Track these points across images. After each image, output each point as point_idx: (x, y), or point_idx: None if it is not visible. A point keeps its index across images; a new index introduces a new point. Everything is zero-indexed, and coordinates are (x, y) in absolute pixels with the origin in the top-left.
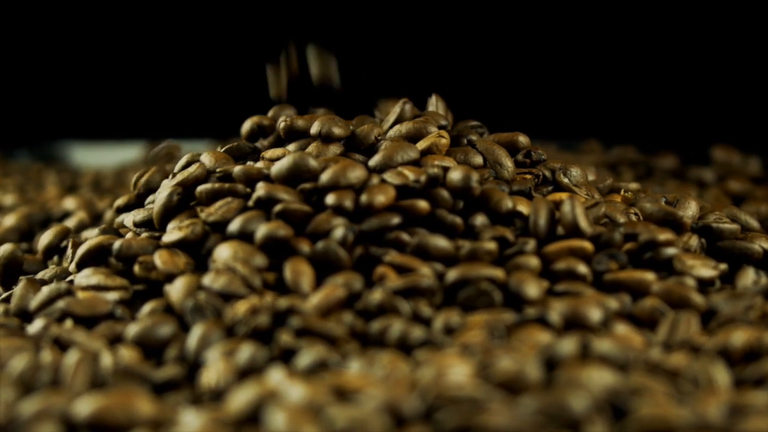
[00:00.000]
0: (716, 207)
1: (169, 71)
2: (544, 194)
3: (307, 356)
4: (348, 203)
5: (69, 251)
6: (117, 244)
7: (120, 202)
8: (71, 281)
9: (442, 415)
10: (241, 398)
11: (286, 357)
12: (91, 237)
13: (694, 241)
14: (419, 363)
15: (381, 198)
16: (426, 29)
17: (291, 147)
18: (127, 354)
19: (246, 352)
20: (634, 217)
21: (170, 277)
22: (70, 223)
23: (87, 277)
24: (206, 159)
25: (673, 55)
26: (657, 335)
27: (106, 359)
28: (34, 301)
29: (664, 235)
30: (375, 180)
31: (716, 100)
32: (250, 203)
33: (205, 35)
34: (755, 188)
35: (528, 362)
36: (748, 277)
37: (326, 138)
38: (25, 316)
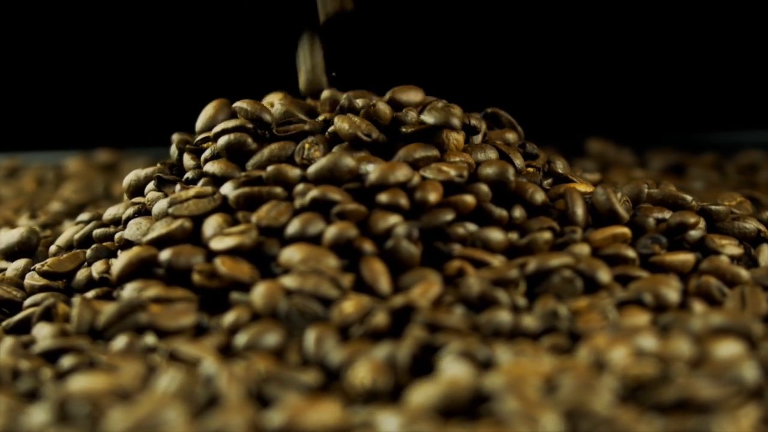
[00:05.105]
0: None
1: (35, 81)
2: (547, 187)
3: (454, 349)
4: (403, 201)
5: None
6: (165, 254)
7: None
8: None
9: (647, 393)
10: (427, 393)
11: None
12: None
13: (702, 223)
14: (561, 349)
15: (434, 195)
16: None
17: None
18: (262, 363)
19: (384, 350)
20: (628, 204)
21: (236, 285)
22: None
23: (140, 290)
24: (214, 168)
25: (546, 53)
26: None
27: (240, 370)
28: (102, 318)
29: (693, 218)
30: (416, 178)
31: (588, 94)
32: (298, 204)
33: (73, 43)
34: (656, 176)
35: (678, 339)
36: (766, 253)
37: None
38: (91, 334)
